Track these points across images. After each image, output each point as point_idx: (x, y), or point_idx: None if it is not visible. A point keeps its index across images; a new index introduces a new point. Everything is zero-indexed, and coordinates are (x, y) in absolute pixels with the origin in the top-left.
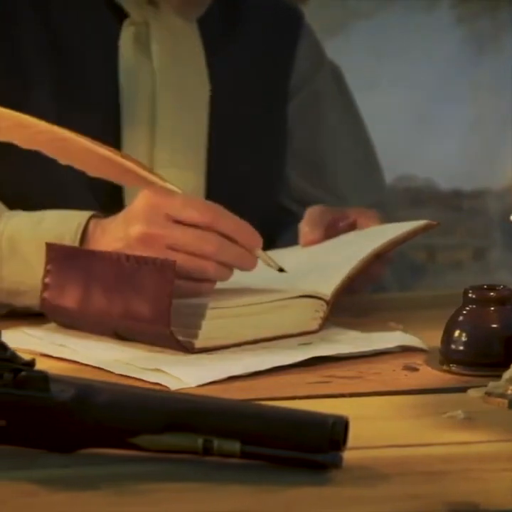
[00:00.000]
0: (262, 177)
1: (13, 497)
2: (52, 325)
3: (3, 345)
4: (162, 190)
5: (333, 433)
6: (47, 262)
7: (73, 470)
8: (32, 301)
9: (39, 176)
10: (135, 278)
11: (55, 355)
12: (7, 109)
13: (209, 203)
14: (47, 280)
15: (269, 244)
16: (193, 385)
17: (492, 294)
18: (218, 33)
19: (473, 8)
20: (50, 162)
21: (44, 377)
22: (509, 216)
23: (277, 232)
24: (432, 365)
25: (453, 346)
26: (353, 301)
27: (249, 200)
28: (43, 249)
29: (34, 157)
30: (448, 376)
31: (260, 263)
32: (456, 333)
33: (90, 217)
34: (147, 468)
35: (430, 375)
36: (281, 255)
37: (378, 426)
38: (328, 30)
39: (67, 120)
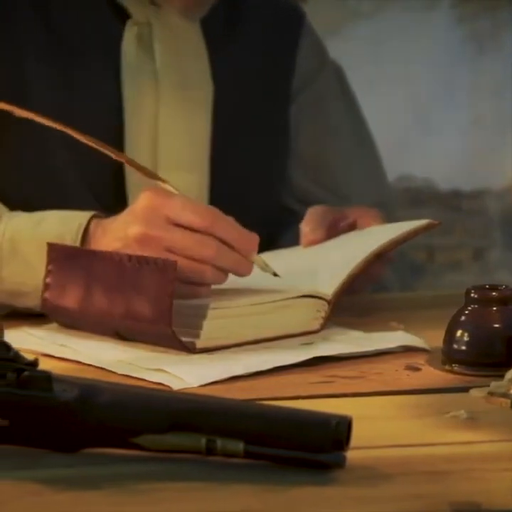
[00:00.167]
0: (264, 177)
1: (16, 496)
2: (54, 325)
3: (6, 345)
4: (163, 191)
5: (337, 433)
6: (48, 262)
7: (76, 470)
8: (33, 302)
9: (39, 177)
10: (136, 278)
11: (56, 355)
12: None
13: (209, 207)
14: (48, 280)
15: (271, 244)
16: (195, 385)
17: (494, 293)
18: (221, 33)
19: (473, 7)
20: (50, 162)
21: (47, 377)
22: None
23: (279, 231)
24: (434, 365)
25: (455, 346)
26: (354, 301)
27: (251, 200)
28: (44, 249)
29: (34, 157)
30: (450, 376)
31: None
32: (459, 333)
33: (91, 218)
34: (150, 468)
35: (432, 375)
36: (283, 255)
37: (381, 426)
38: (328, 30)
39: (68, 120)
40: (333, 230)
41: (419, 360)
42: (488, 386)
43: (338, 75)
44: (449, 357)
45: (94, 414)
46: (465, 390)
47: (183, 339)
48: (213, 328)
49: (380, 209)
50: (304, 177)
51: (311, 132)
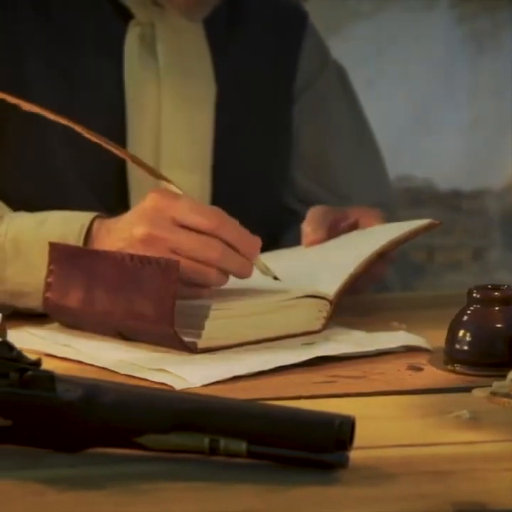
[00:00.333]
0: (266, 177)
1: (20, 496)
2: (56, 325)
3: (9, 345)
4: (170, 193)
5: (340, 433)
6: (50, 262)
7: (79, 470)
8: (35, 302)
9: (39, 177)
10: (139, 278)
11: (59, 355)
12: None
13: (215, 208)
14: (50, 280)
15: (272, 244)
16: (197, 385)
17: (496, 293)
18: (223, 34)
19: (473, 7)
20: (51, 162)
21: (50, 377)
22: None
23: (280, 231)
24: (436, 365)
25: (457, 346)
26: (356, 301)
27: (252, 200)
28: (47, 250)
29: (34, 157)
30: (452, 376)
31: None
32: (461, 333)
33: (94, 218)
34: (153, 468)
35: (435, 374)
36: (284, 255)
37: (383, 426)
38: (328, 30)
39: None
40: (334, 230)
41: (421, 360)
42: (491, 386)
43: (340, 75)
44: (451, 357)
45: (97, 414)
46: (467, 390)
47: (185, 339)
48: (215, 328)
49: (381, 209)
50: (304, 177)
51: (312, 132)
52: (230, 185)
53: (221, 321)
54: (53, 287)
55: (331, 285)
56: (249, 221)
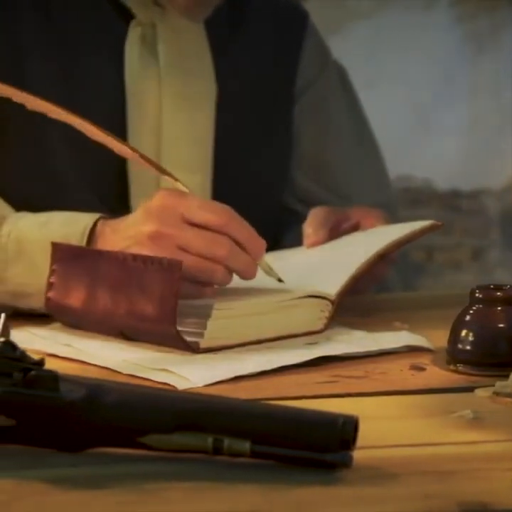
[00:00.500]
0: (266, 177)
1: (23, 496)
2: (58, 325)
3: (12, 345)
4: (178, 192)
5: (344, 432)
6: (52, 262)
7: (82, 469)
8: (37, 303)
9: (39, 177)
10: (141, 278)
11: (61, 355)
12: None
13: (224, 206)
14: (52, 280)
15: (273, 244)
16: (200, 385)
17: (499, 293)
18: (224, 34)
19: (473, 7)
20: (51, 162)
21: (54, 377)
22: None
23: (281, 231)
24: (439, 365)
25: (460, 346)
26: (357, 301)
27: (252, 201)
28: (50, 250)
29: (34, 157)
30: (455, 376)
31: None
32: (463, 332)
33: (98, 219)
34: (157, 468)
35: (437, 374)
36: (286, 256)
37: (386, 425)
38: (328, 29)
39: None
40: (335, 231)
41: (423, 360)
42: (493, 386)
43: (341, 75)
44: (453, 357)
45: (100, 413)
46: (470, 389)
47: (187, 339)
48: (217, 328)
49: (381, 209)
50: (305, 177)
51: (312, 132)
52: (231, 185)
53: (223, 320)
54: (55, 287)
55: (333, 285)
56: (250, 221)
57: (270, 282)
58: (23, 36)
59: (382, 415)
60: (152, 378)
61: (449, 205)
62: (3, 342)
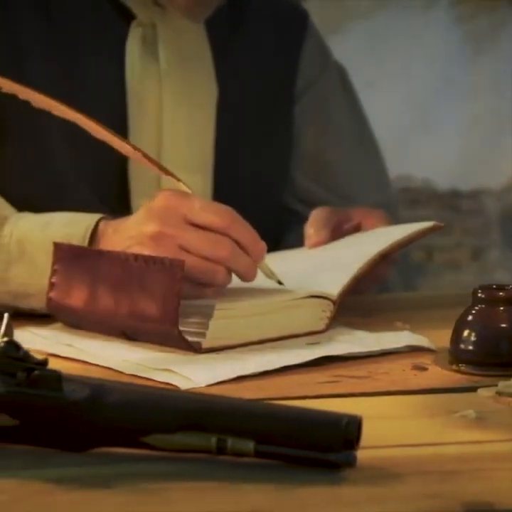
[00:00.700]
0: (267, 178)
1: (27, 496)
2: (59, 325)
3: (16, 345)
4: (181, 192)
5: (347, 432)
6: (54, 262)
7: (86, 469)
8: (39, 304)
9: (39, 177)
10: (143, 278)
11: (63, 355)
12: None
13: (226, 207)
14: (53, 279)
15: (273, 244)
16: (202, 385)
17: (501, 293)
18: (225, 35)
19: (472, 7)
20: (51, 162)
21: (57, 377)
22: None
23: (281, 232)
24: (441, 365)
25: (462, 346)
26: (359, 302)
27: (253, 201)
28: (51, 251)
29: (34, 157)
30: (457, 376)
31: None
32: (466, 332)
33: (100, 220)
34: (160, 468)
35: (440, 374)
36: (287, 256)
37: (390, 425)
38: (327, 30)
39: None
40: (337, 232)
41: (425, 360)
42: (496, 386)
43: (341, 76)
44: (456, 357)
45: (103, 413)
46: (473, 389)
47: (189, 339)
48: (219, 328)
49: (381, 209)
50: (305, 177)
51: (312, 132)
52: (231, 185)
53: (225, 320)
54: (57, 287)
55: (335, 285)
56: (249, 221)
57: (272, 283)
58: (23, 36)
59: (384, 415)
60: (154, 378)
61: (449, 205)
62: (7, 342)
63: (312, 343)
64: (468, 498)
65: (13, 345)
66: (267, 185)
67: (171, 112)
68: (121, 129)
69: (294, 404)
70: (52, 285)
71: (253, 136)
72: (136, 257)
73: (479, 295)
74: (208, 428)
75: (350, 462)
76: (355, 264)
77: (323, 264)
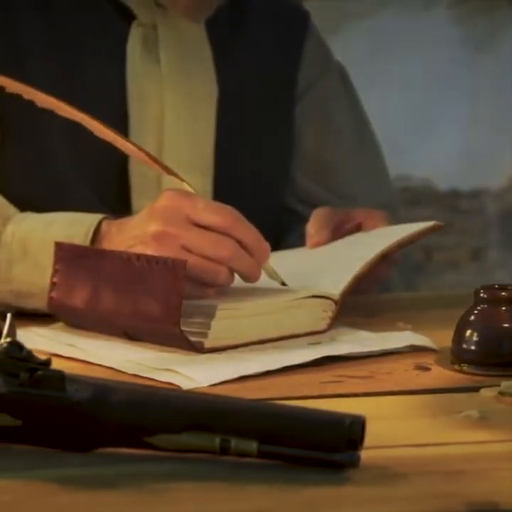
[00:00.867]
0: (267, 178)
1: (30, 496)
2: (61, 325)
3: (19, 345)
4: (184, 192)
5: (351, 432)
6: (55, 261)
7: (90, 469)
8: (41, 303)
9: (39, 177)
10: (145, 277)
11: (65, 355)
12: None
13: (229, 207)
14: (55, 279)
15: (274, 244)
16: (205, 385)
17: (503, 293)
18: (226, 35)
19: (472, 8)
20: (51, 162)
21: (60, 377)
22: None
23: (282, 232)
24: (443, 365)
25: (464, 346)
26: (360, 302)
27: (253, 201)
28: (53, 251)
29: (34, 157)
30: (460, 376)
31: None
32: (468, 332)
33: (102, 220)
34: (164, 468)
35: (442, 374)
36: (289, 256)
37: (393, 425)
38: (327, 30)
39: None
40: (338, 232)
41: (427, 360)
42: (499, 386)
43: (342, 76)
44: (458, 357)
45: (107, 413)
46: (475, 389)
47: (192, 339)
48: (221, 328)
49: (382, 209)
50: (305, 177)
51: (313, 132)
52: (231, 185)
53: (227, 321)
54: (59, 287)
55: (336, 285)
56: (250, 221)
57: (274, 283)
58: (23, 36)
59: (387, 415)
60: (156, 378)
61: (449, 205)
62: (10, 342)
63: (314, 343)
64: (472, 498)
65: (16, 346)
66: (268, 185)
67: (171, 112)
68: (122, 130)
69: (296, 404)
70: (53, 285)
71: (253, 136)
72: (139, 256)
73: (481, 295)
74: (211, 428)
75: (354, 462)
76: (356, 263)
77: (325, 264)
